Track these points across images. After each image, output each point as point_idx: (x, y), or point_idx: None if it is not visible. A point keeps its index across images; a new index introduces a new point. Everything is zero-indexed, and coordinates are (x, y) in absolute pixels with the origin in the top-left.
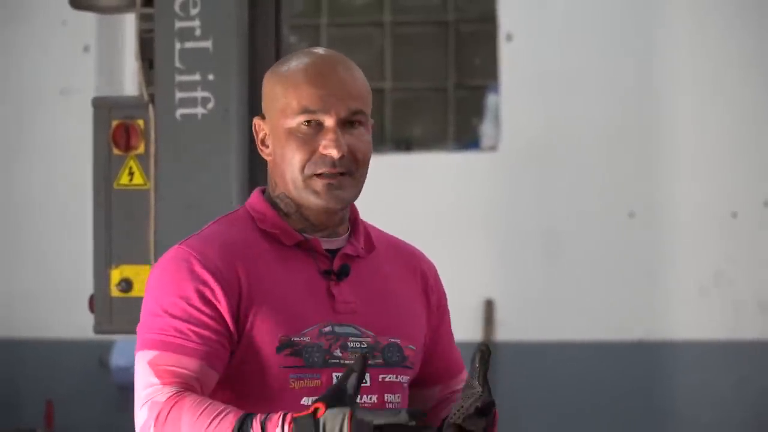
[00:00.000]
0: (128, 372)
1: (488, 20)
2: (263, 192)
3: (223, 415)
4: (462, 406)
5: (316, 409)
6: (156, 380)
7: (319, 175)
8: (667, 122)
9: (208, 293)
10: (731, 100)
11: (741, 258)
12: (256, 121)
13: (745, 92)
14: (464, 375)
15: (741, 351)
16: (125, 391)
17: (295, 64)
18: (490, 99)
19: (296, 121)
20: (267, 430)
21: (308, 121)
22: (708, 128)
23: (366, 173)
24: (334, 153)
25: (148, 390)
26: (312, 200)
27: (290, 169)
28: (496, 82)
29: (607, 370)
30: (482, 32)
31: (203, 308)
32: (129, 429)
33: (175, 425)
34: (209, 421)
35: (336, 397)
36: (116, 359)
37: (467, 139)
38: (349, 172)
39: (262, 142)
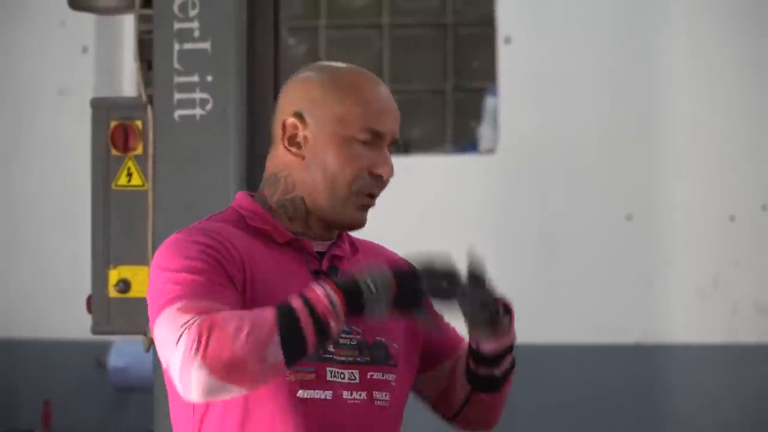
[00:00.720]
0: (126, 373)
1: (487, 23)
2: (251, 196)
3: (263, 309)
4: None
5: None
6: (188, 315)
7: (364, 194)
8: (665, 125)
9: (214, 253)
10: (729, 103)
11: (739, 261)
12: (291, 119)
13: (743, 95)
14: (464, 344)
15: (739, 354)
16: (122, 391)
17: (351, 77)
18: (489, 101)
19: (357, 134)
20: (307, 292)
21: (373, 140)
22: (706, 131)
23: None
24: (387, 174)
25: (180, 327)
26: (349, 214)
27: (335, 177)
28: (494, 84)
29: (604, 372)
30: (481, 35)
31: (213, 264)
32: (126, 429)
33: (220, 334)
34: (252, 317)
35: None
36: (114, 360)
37: (465, 141)
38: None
39: (292, 141)
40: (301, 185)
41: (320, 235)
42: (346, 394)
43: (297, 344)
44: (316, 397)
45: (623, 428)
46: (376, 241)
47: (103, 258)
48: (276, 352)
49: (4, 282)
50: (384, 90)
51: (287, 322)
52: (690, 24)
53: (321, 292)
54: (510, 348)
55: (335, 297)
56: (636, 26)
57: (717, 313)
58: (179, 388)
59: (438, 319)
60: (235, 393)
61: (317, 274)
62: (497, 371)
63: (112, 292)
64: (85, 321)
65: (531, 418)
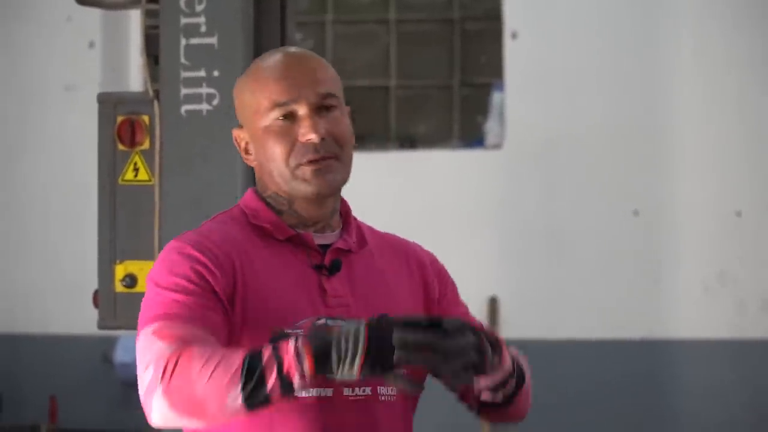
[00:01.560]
0: (132, 368)
1: (493, 18)
2: (256, 192)
3: (232, 351)
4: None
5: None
6: (160, 342)
7: (304, 164)
8: (671, 120)
9: (203, 271)
10: (735, 99)
11: (745, 257)
12: (235, 132)
13: (749, 91)
14: None
15: (745, 349)
16: (129, 386)
17: (257, 66)
18: (495, 97)
19: (270, 117)
20: (279, 346)
21: (283, 116)
22: (712, 127)
23: (351, 155)
24: (314, 137)
25: (152, 352)
26: (302, 188)
27: (275, 164)
28: (501, 80)
29: (610, 368)
30: (487, 30)
31: (199, 282)
32: (133, 424)
33: (184, 371)
34: (219, 358)
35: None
36: (120, 355)
37: (472, 136)
38: (335, 155)
39: (245, 151)
40: (269, 182)
41: (312, 219)
42: (347, 391)
43: (259, 396)
44: (315, 395)
45: (629, 423)
46: None
47: (109, 253)
48: (237, 399)
49: (11, 277)
50: (286, 57)
51: (252, 374)
52: (696, 20)
53: (291, 351)
54: (509, 374)
55: (305, 358)
56: (642, 22)
57: (723, 308)
58: (143, 406)
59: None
60: (194, 425)
61: (319, 269)
62: (500, 397)
63: (119, 287)
64: (91, 316)
65: (537, 412)
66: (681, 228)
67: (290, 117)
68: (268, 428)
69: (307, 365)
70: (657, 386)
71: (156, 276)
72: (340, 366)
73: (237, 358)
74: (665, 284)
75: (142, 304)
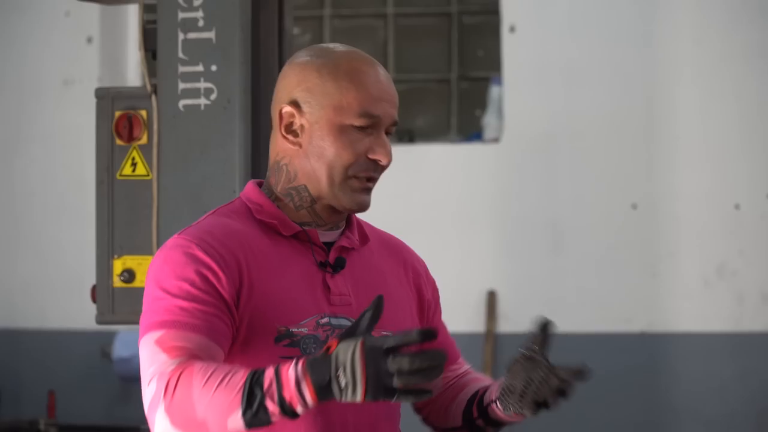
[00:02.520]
0: (130, 363)
1: (491, 12)
2: (259, 185)
3: (234, 371)
4: (530, 379)
5: (328, 347)
6: (164, 355)
7: (359, 177)
8: (670, 114)
9: (209, 275)
10: (734, 92)
11: (744, 250)
12: (287, 107)
13: (749, 84)
14: (461, 361)
15: (744, 343)
16: (127, 381)
17: (348, 61)
18: (493, 91)
19: (353, 120)
20: (280, 372)
21: (369, 126)
22: (711, 120)
23: None
24: (385, 161)
25: (155, 365)
26: (345, 199)
27: (332, 164)
28: (499, 73)
29: (609, 361)
30: (485, 24)
31: (205, 287)
32: (131, 419)
33: (186, 390)
34: (221, 378)
35: (348, 333)
36: (118, 350)
37: (470, 130)
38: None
39: (289, 129)
40: (302, 173)
41: (328, 222)
42: None
43: (261, 420)
44: None
45: (628, 417)
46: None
47: (107, 248)
48: (238, 422)
49: (9, 272)
50: (381, 72)
51: (253, 400)
52: (694, 12)
53: (292, 383)
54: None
55: (306, 390)
56: (640, 14)
57: (722, 301)
58: (147, 417)
59: (443, 329)
60: None
61: (323, 266)
62: (494, 431)
63: (117, 282)
64: (89, 311)
65: None
66: (680, 221)
67: (367, 129)
68: (267, 428)
69: (309, 396)
70: (656, 379)
71: (160, 277)
72: (343, 395)
73: (239, 380)
74: (664, 277)
75: (144, 303)
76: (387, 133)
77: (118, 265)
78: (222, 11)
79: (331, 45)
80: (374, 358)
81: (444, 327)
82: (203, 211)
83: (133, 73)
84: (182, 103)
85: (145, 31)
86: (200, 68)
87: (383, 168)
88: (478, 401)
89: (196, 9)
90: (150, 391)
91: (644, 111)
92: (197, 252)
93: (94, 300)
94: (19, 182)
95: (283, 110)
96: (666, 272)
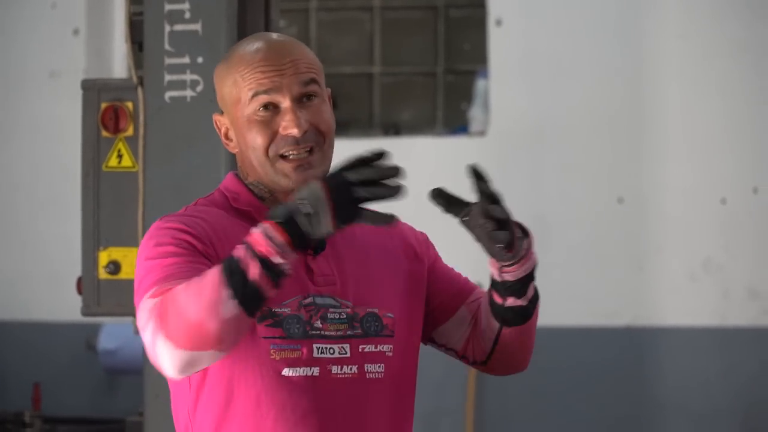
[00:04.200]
0: (116, 355)
1: (478, 5)
2: (237, 176)
3: (207, 271)
4: (480, 225)
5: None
6: (152, 300)
7: (285, 157)
8: (656, 107)
9: (188, 237)
10: (721, 86)
11: (730, 244)
12: (216, 117)
13: (735, 78)
14: (479, 291)
15: (730, 337)
16: (113, 373)
17: (238, 53)
18: (479, 84)
19: (252, 107)
20: (248, 238)
21: (264, 106)
22: (697, 114)
23: (332, 144)
24: (295, 132)
25: (146, 312)
26: (283, 183)
27: (255, 154)
28: (485, 67)
29: (595, 355)
30: (472, 17)
31: (186, 246)
32: (117, 411)
33: (173, 307)
34: (198, 278)
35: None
36: (104, 342)
37: (456, 123)
38: (317, 145)
39: (226, 136)
40: (249, 171)
41: None
42: (335, 369)
43: (248, 292)
44: (301, 374)
45: (613, 411)
46: None
47: (93, 240)
48: (231, 305)
49: None
50: (267, 46)
51: (232, 272)
52: (681, 6)
53: (259, 233)
54: (532, 274)
55: (274, 233)
56: (627, 8)
57: (708, 296)
58: (157, 367)
59: (447, 271)
60: (208, 359)
61: (303, 249)
62: (524, 299)
63: (102, 274)
64: (75, 303)
65: (521, 400)
66: (666, 216)
67: (272, 107)
68: (254, 407)
69: (280, 239)
70: (642, 373)
71: (143, 252)
72: (313, 228)
73: (215, 270)
74: (650, 272)
75: (135, 284)
76: (306, 98)
77: (104, 257)
78: (208, 3)
79: (239, 42)
80: (333, 177)
81: (447, 270)
82: (189, 202)
83: (119, 64)
84: (168, 95)
85: (132, 22)
86: (186, 60)
87: (307, 137)
88: (491, 284)
89: (182, 1)
90: (147, 335)
91: (630, 105)
92: (175, 224)
93: (79, 292)
94: (4, 174)
95: (216, 120)
96: (652, 266)
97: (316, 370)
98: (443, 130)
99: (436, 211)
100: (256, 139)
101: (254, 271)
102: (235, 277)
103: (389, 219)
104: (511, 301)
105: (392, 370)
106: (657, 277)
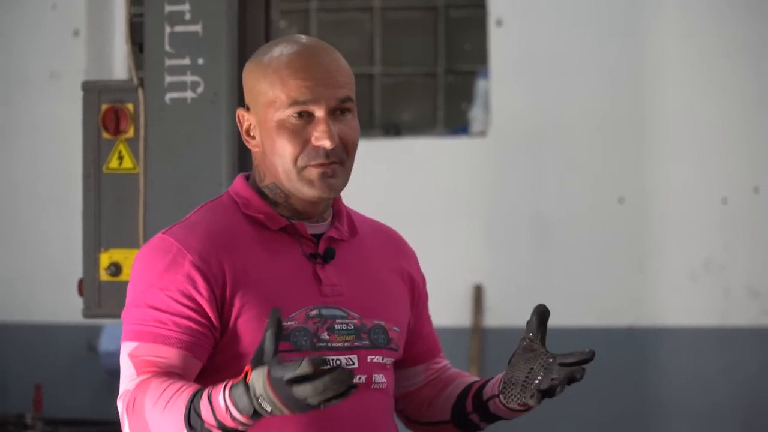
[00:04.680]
0: (117, 357)
1: (478, 5)
2: (247, 178)
3: (180, 391)
4: (532, 369)
5: (246, 373)
6: (132, 370)
7: (312, 166)
8: (657, 107)
9: (189, 286)
10: (721, 86)
11: (731, 244)
12: (240, 112)
13: (735, 78)
14: (442, 356)
15: (731, 337)
16: (114, 375)
17: (278, 55)
18: (480, 84)
19: (286, 113)
20: (212, 399)
21: (299, 113)
22: (698, 114)
23: (354, 159)
24: (327, 144)
25: (124, 381)
26: (306, 191)
27: (282, 161)
28: (485, 67)
29: (596, 356)
30: (472, 17)
31: (184, 300)
32: (117, 413)
33: (139, 412)
34: (168, 399)
35: (257, 358)
36: (105, 343)
37: (457, 124)
38: (341, 161)
39: (248, 132)
40: (268, 173)
41: (312, 214)
42: None
43: None
44: None
45: (615, 411)
46: None
47: (94, 241)
48: None
49: None
50: (312, 54)
51: (195, 421)
52: (682, 6)
53: (222, 407)
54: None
55: (236, 413)
56: (627, 8)
57: (709, 296)
58: None
59: (429, 321)
60: None
61: (313, 257)
62: (485, 425)
63: (104, 276)
64: (76, 304)
65: None
66: (666, 215)
67: (306, 115)
68: (264, 419)
69: (242, 419)
70: (643, 373)
71: (141, 283)
72: (274, 414)
73: (183, 401)
74: (651, 272)
75: (126, 299)
76: (339, 111)
77: (105, 259)
78: (209, 4)
79: (276, 41)
80: (282, 389)
81: (429, 321)
82: (190, 205)
83: (119, 66)
84: (169, 96)
85: (132, 24)
86: (187, 61)
87: (335, 150)
88: (474, 396)
89: (182, 2)
90: (120, 405)
91: (631, 105)
92: (179, 258)
93: (80, 293)
94: (5, 175)
95: (239, 114)
96: (653, 266)
97: None
98: (444, 131)
99: (435, 212)
100: (286, 147)
101: (213, 428)
102: (195, 424)
103: (353, 387)
104: (475, 418)
105: (390, 382)
106: (658, 277)
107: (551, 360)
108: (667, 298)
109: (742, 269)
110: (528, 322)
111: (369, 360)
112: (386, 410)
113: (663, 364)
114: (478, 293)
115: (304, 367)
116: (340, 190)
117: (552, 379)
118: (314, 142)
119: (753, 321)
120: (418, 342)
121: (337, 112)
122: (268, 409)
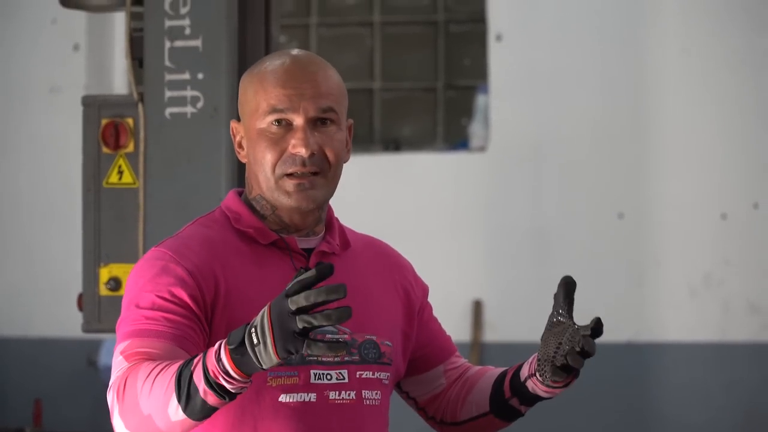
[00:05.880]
0: None
1: (478, 21)
2: (239, 194)
3: (173, 362)
4: (560, 343)
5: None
6: (124, 363)
7: (289, 176)
8: (656, 123)
9: (180, 288)
10: (721, 101)
11: (730, 259)
12: (233, 124)
13: (735, 93)
14: (457, 354)
15: (730, 352)
16: None
17: (266, 65)
18: (480, 99)
19: (266, 121)
20: (206, 354)
21: (278, 121)
22: (697, 129)
23: (339, 172)
24: (303, 152)
25: (115, 372)
26: (284, 201)
27: (262, 170)
28: (485, 82)
29: (596, 371)
30: (472, 32)
31: (174, 299)
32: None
33: (132, 390)
34: (159, 370)
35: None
36: (105, 358)
37: (456, 139)
38: (321, 171)
39: (239, 145)
40: (255, 184)
41: (301, 227)
42: (333, 395)
43: (196, 405)
44: (298, 400)
45: (615, 427)
46: None
47: (93, 256)
48: (177, 411)
49: None
50: (294, 63)
51: (183, 385)
52: (681, 21)
53: (213, 356)
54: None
55: (225, 360)
56: (627, 23)
57: (708, 311)
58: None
59: (436, 324)
60: None
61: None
62: (525, 408)
63: (103, 290)
64: (75, 319)
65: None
66: (666, 231)
67: (285, 125)
68: None
69: (228, 366)
70: (643, 389)
71: (133, 291)
72: (259, 358)
73: (173, 371)
74: (650, 287)
75: (120, 315)
76: (320, 122)
77: (105, 274)
78: (208, 19)
79: (272, 54)
80: (277, 304)
81: (437, 322)
82: (189, 219)
83: (119, 80)
84: (169, 111)
85: (132, 38)
86: (187, 76)
87: (314, 160)
88: (511, 380)
89: (182, 17)
90: (110, 398)
91: (631, 120)
92: (171, 265)
93: (80, 308)
94: (5, 189)
95: (233, 127)
96: (652, 282)
97: (312, 396)
98: (443, 146)
99: (435, 227)
100: (265, 155)
101: (203, 390)
102: (183, 390)
103: (341, 348)
104: (515, 403)
105: (386, 398)
106: (657, 293)
107: (576, 332)
108: (666, 313)
109: (742, 285)
110: (555, 296)
111: (358, 376)
112: (379, 427)
113: (662, 379)
114: (477, 308)
115: (309, 274)
116: (322, 201)
117: (562, 356)
118: (290, 149)
119: (752, 336)
120: (428, 346)
121: (318, 122)
122: (255, 340)
